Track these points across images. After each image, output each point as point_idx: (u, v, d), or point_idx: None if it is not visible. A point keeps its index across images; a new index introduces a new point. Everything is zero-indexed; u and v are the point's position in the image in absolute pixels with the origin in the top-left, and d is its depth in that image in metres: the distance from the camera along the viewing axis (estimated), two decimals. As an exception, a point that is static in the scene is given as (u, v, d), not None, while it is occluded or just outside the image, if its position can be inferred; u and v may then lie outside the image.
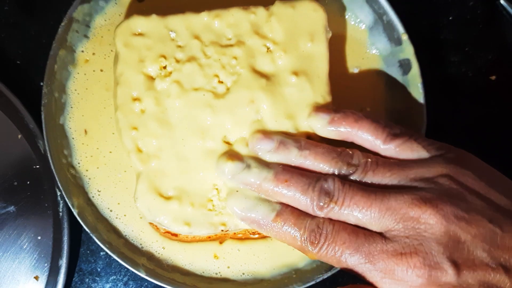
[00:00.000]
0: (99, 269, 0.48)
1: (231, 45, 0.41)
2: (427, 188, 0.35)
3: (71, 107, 0.46)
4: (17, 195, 0.47)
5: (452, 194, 0.34)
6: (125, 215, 0.45)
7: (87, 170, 0.45)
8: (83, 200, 0.44)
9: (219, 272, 0.45)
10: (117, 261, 0.46)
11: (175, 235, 0.43)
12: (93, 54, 0.46)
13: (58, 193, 0.45)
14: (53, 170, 0.43)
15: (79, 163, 0.45)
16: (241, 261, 0.45)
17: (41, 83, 0.49)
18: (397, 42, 0.46)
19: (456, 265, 0.32)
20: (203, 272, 0.45)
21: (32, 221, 0.47)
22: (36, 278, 0.46)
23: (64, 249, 0.45)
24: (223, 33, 0.42)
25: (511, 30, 0.53)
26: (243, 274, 0.45)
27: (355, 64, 0.48)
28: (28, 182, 0.47)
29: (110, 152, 0.46)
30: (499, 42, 0.53)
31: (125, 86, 0.41)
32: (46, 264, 0.46)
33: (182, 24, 0.42)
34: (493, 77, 0.52)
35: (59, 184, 0.43)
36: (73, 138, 0.46)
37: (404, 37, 0.45)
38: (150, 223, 0.44)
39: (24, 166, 0.48)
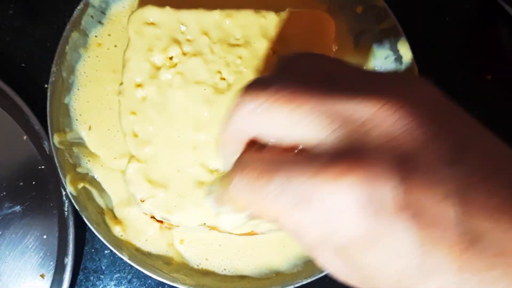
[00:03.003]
0: (103, 267, 0.49)
1: (238, 45, 0.42)
2: None
3: (78, 89, 0.47)
4: (23, 195, 0.48)
5: None
6: (118, 202, 0.47)
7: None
8: (74, 174, 0.46)
9: (200, 264, 0.46)
10: (121, 259, 0.48)
11: (160, 222, 0.44)
12: (109, 35, 0.48)
13: (63, 193, 0.46)
14: (52, 146, 0.44)
15: (79, 141, 0.47)
16: (222, 255, 0.46)
17: (46, 85, 0.50)
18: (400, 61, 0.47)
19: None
20: (184, 262, 0.46)
21: (37, 220, 0.48)
22: (42, 276, 0.47)
23: (70, 247, 0.46)
24: (232, 32, 0.43)
25: (507, 30, 0.53)
26: (225, 269, 0.46)
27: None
28: (34, 183, 0.48)
29: (115, 158, 0.47)
30: (495, 42, 0.53)
31: (130, 71, 0.42)
32: (51, 263, 0.47)
33: (193, 19, 0.43)
34: (489, 77, 0.53)
35: (55, 161, 0.44)
36: (76, 120, 0.47)
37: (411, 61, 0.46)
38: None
39: (30, 167, 0.49)
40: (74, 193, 0.45)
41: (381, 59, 0.49)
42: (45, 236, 0.48)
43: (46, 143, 0.47)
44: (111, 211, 0.47)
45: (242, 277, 0.46)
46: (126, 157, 0.44)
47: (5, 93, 0.48)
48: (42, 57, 0.51)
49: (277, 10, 0.43)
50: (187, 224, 0.41)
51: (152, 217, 0.43)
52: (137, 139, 0.41)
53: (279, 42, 0.42)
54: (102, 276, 0.49)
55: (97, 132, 0.47)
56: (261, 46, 0.42)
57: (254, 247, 0.47)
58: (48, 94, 0.45)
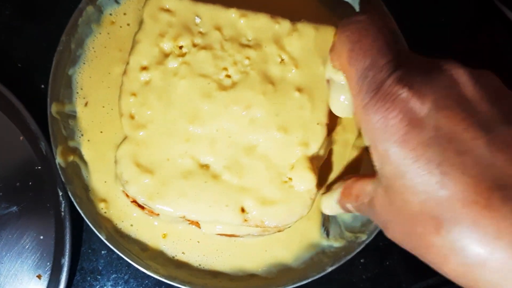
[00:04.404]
0: (100, 268, 0.49)
1: (248, 46, 0.43)
2: None
3: (84, 63, 0.48)
4: (19, 196, 0.48)
5: None
6: (105, 182, 0.47)
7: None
8: (66, 146, 0.46)
9: (176, 256, 0.47)
10: (118, 260, 0.48)
11: (142, 207, 0.44)
12: (124, 14, 0.49)
13: (60, 193, 0.46)
14: (49, 114, 0.45)
15: (75, 114, 0.47)
16: (200, 252, 0.47)
17: (42, 86, 0.50)
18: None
19: None
20: (161, 251, 0.46)
21: (34, 221, 0.48)
22: (39, 276, 0.47)
23: (66, 248, 0.46)
24: (244, 33, 0.43)
25: (504, 31, 0.53)
26: (200, 265, 0.47)
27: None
28: (30, 183, 0.48)
29: (101, 132, 0.47)
30: (492, 43, 0.53)
31: (138, 53, 0.42)
32: (48, 263, 0.47)
33: (209, 13, 0.43)
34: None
35: (49, 130, 0.45)
36: (77, 93, 0.47)
37: None
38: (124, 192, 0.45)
39: (26, 167, 0.49)
40: (63, 164, 0.45)
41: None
42: (41, 237, 0.48)
43: (42, 143, 0.47)
44: (96, 188, 0.47)
45: (215, 275, 0.46)
46: (113, 134, 0.45)
47: (2, 94, 0.47)
48: (39, 57, 0.51)
49: (292, 19, 0.43)
50: (167, 214, 0.41)
51: (134, 201, 0.43)
52: (133, 121, 0.41)
53: (289, 51, 0.43)
54: (99, 277, 0.49)
55: (91, 108, 0.47)
56: (271, 51, 0.43)
57: (233, 249, 0.47)
58: (54, 62, 0.46)
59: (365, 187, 0.37)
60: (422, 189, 0.29)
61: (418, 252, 0.31)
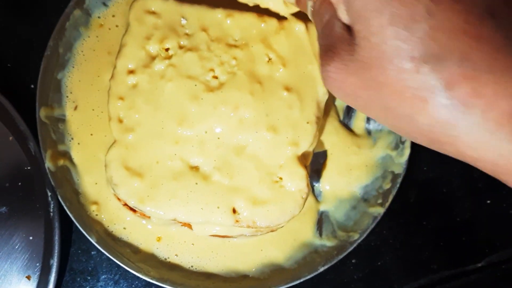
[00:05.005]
0: (90, 268, 0.49)
1: (235, 46, 0.42)
2: None
3: (73, 67, 0.47)
4: (8, 196, 0.48)
5: None
6: (96, 183, 0.47)
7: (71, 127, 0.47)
8: (55, 150, 0.46)
9: (168, 258, 0.46)
10: (108, 261, 0.47)
11: (133, 210, 0.44)
12: (113, 16, 0.48)
13: (49, 194, 0.45)
14: (37, 119, 0.45)
15: (64, 118, 0.47)
16: (193, 254, 0.47)
17: (32, 86, 0.50)
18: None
19: None
20: (153, 253, 0.46)
21: (23, 221, 0.47)
22: (28, 277, 0.47)
23: (55, 248, 0.45)
24: (231, 33, 0.43)
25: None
26: (192, 266, 0.47)
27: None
28: (20, 183, 0.48)
29: (91, 134, 0.47)
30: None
31: (125, 57, 0.42)
32: (37, 264, 0.47)
33: (195, 14, 0.43)
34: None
35: (38, 135, 0.44)
36: (66, 97, 0.47)
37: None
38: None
39: (16, 168, 0.48)
40: (52, 169, 0.45)
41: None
42: (31, 237, 0.47)
43: (32, 144, 0.46)
44: (87, 191, 0.47)
45: (208, 276, 0.46)
46: (103, 136, 0.45)
47: (-9, 94, 0.47)
48: (28, 57, 0.51)
49: (279, 18, 0.43)
50: (158, 217, 0.41)
51: (126, 204, 0.43)
52: (121, 124, 0.41)
53: (277, 49, 0.42)
54: (89, 277, 0.49)
55: (81, 111, 0.47)
56: (258, 51, 0.42)
57: (226, 250, 0.47)
58: (42, 66, 0.45)
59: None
60: (403, 20, 0.25)
61: (383, 100, 0.27)
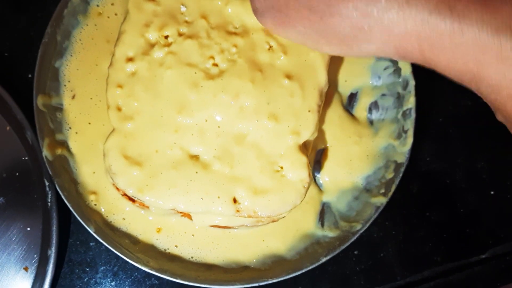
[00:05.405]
0: (88, 260, 0.48)
1: (236, 34, 0.42)
2: None
3: (71, 55, 0.47)
4: (6, 187, 0.47)
5: None
6: (94, 172, 0.46)
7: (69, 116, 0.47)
8: (53, 139, 0.45)
9: (168, 249, 0.46)
10: (107, 252, 0.47)
11: (132, 200, 0.43)
12: (112, 4, 0.48)
13: (47, 184, 0.45)
14: (35, 107, 0.44)
15: (62, 107, 0.47)
16: (193, 245, 0.46)
17: (29, 75, 0.49)
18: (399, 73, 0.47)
19: None
20: (153, 244, 0.46)
21: (21, 212, 0.47)
22: (26, 269, 0.46)
23: (53, 239, 0.45)
24: (231, 20, 0.42)
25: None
26: (192, 257, 0.46)
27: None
28: (17, 174, 0.47)
29: (89, 123, 0.47)
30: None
31: (123, 44, 0.41)
32: (35, 255, 0.46)
33: (195, 1, 0.42)
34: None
35: (36, 123, 0.44)
36: (64, 85, 0.47)
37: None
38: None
39: (13, 158, 0.48)
40: (50, 158, 0.44)
41: (380, 69, 0.49)
42: (28, 228, 0.47)
43: (29, 133, 0.46)
44: (85, 181, 0.46)
45: (209, 267, 0.46)
46: (101, 125, 0.45)
47: (-13, 84, 0.47)
48: (25, 46, 0.50)
49: None
50: (158, 206, 0.41)
51: (125, 194, 0.42)
52: (120, 113, 0.41)
53: (277, 37, 0.42)
54: (88, 269, 0.48)
55: (79, 100, 0.47)
56: (259, 38, 0.42)
57: (227, 240, 0.46)
58: (39, 54, 0.45)
59: None
60: None
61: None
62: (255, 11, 0.38)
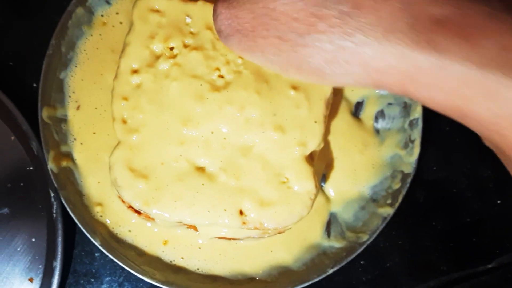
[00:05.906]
0: (94, 270, 0.48)
1: None
2: None
3: (76, 66, 0.47)
4: (10, 197, 0.47)
5: None
6: (99, 182, 0.46)
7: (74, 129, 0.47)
8: (58, 151, 0.45)
9: (174, 261, 0.46)
10: (112, 262, 0.47)
11: (138, 212, 0.43)
12: (117, 13, 0.48)
13: (52, 194, 0.45)
14: (40, 120, 0.44)
15: (67, 118, 0.46)
16: (200, 256, 0.46)
17: (34, 84, 0.49)
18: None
19: None
20: (158, 256, 0.46)
21: (26, 222, 0.47)
22: (31, 280, 0.46)
23: (58, 250, 0.44)
24: None
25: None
26: (198, 269, 0.46)
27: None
28: (22, 184, 0.47)
29: (94, 133, 0.46)
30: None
31: (128, 56, 0.41)
32: (40, 266, 0.46)
33: (200, 12, 0.42)
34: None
35: (41, 135, 0.44)
36: (69, 97, 0.47)
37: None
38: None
39: (18, 168, 0.47)
40: (55, 170, 0.44)
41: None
42: (33, 239, 0.46)
43: (34, 143, 0.45)
44: (90, 192, 0.46)
45: (214, 279, 0.45)
46: (106, 135, 0.44)
47: (-8, 93, 0.46)
48: (30, 55, 0.50)
49: None
50: (164, 219, 0.40)
51: (130, 206, 0.42)
52: (125, 125, 0.40)
53: None
54: (93, 280, 0.48)
55: (84, 111, 0.47)
56: (264, 49, 0.41)
57: (233, 252, 0.46)
58: (44, 65, 0.44)
59: None
60: None
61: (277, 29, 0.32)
62: (219, 33, 0.34)
